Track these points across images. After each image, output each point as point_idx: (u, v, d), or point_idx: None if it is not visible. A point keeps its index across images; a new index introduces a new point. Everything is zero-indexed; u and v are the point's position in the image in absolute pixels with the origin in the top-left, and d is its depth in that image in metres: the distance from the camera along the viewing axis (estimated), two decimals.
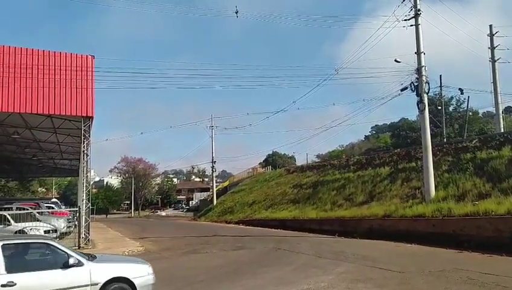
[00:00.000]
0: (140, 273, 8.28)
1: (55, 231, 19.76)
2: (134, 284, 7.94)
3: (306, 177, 41.85)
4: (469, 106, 45.18)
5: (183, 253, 17.45)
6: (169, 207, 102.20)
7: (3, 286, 6.74)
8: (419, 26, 21.72)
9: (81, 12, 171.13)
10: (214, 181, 63.90)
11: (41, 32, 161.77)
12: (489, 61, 33.06)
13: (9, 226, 18.22)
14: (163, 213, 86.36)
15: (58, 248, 7.75)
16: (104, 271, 7.83)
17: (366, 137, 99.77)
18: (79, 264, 7.57)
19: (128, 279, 7.93)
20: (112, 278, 7.75)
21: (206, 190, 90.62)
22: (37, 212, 21.73)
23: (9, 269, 6.99)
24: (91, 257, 8.17)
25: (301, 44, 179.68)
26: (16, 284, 6.87)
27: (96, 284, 7.57)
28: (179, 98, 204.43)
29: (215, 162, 58.85)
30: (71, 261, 7.46)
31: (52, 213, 25.78)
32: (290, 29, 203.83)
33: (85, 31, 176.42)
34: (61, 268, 7.41)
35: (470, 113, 47.63)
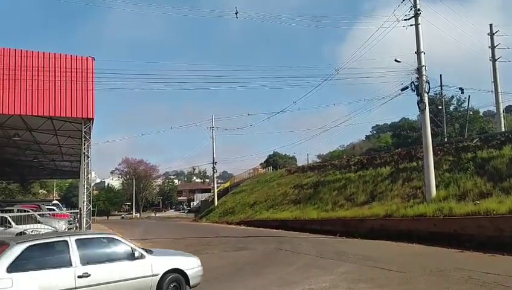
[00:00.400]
0: (192, 265, 9.22)
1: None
2: (187, 275, 8.86)
3: (307, 178, 41.83)
4: (470, 105, 45.16)
5: None
6: (171, 208, 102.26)
7: (79, 277, 7.49)
8: (419, 25, 21.72)
9: (81, 14, 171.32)
10: (215, 182, 63.89)
11: (41, 35, 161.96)
12: (490, 60, 33.03)
13: (10, 229, 18.22)
14: (165, 214, 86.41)
15: (123, 243, 8.63)
16: (162, 264, 8.68)
17: (367, 137, 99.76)
18: (142, 257, 8.43)
19: (182, 270, 8.86)
20: (168, 270, 8.64)
21: (207, 190, 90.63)
22: (38, 215, 21.73)
23: (83, 261, 7.72)
24: (149, 251, 8.92)
25: (301, 45, 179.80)
26: (90, 275, 7.61)
27: (157, 275, 8.43)
28: (178, 99, 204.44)
29: (216, 163, 58.84)
30: (136, 254, 8.39)
31: (53, 215, 25.78)
32: (290, 30, 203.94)
33: (85, 33, 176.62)
34: (127, 260, 8.28)
35: (471, 113, 47.56)
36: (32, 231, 18.23)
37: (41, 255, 7.62)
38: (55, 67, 19.06)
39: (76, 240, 7.97)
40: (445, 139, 36.60)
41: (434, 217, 18.66)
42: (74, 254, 7.70)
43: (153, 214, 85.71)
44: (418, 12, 21.67)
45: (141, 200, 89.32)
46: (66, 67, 19.24)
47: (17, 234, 17.91)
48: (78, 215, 19.90)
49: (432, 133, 22.80)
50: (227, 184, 77.93)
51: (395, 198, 24.27)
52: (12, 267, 7.09)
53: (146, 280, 8.30)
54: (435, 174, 21.61)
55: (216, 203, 58.04)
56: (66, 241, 7.89)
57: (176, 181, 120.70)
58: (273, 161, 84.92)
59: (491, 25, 33.57)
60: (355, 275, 10.71)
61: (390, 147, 57.88)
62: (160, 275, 8.47)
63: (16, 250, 7.36)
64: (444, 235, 17.13)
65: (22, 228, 18.32)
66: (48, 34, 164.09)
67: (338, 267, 12.20)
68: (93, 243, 8.52)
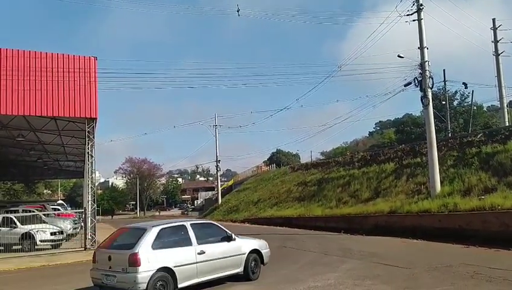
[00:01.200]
0: (265, 247, 11.38)
1: (62, 232, 19.82)
2: (262, 255, 11.09)
3: (311, 175, 41.79)
4: (473, 100, 44.96)
5: None
6: (175, 207, 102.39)
7: (199, 253, 9.46)
8: (422, 20, 21.63)
9: (83, 14, 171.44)
10: (219, 180, 63.91)
11: (43, 35, 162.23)
12: (493, 54, 32.88)
13: (15, 229, 18.30)
14: (169, 213, 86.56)
15: (220, 227, 10.83)
16: (246, 245, 10.83)
17: (370, 133, 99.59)
18: (234, 239, 10.49)
19: (259, 251, 11.07)
20: (251, 250, 10.81)
21: (211, 189, 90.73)
22: (43, 215, 21.81)
23: (199, 241, 9.64)
24: (235, 235, 10.76)
25: (302, 43, 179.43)
26: (205, 252, 9.57)
27: (244, 253, 10.57)
28: (181, 98, 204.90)
29: (219, 161, 58.85)
30: (232, 237, 10.44)
31: (58, 215, 25.85)
32: (291, 28, 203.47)
33: (86, 33, 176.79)
34: (226, 241, 10.31)
35: (475, 108, 47.35)
36: (37, 231, 18.33)
37: (170, 236, 9.53)
38: (58, 68, 19.07)
39: (191, 224, 10.01)
40: (449, 135, 36.48)
41: (439, 212, 18.61)
42: (192, 235, 9.64)
43: (157, 213, 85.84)
44: (421, 7, 21.58)
45: (145, 199, 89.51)
46: (68, 68, 19.24)
47: (22, 235, 18.04)
48: (83, 215, 19.93)
49: (435, 129, 22.72)
50: (230, 182, 77.95)
51: (400, 194, 24.21)
52: (153, 246, 8.91)
53: (238, 257, 10.40)
54: (439, 169, 21.54)
55: (220, 201, 58.10)
56: (185, 226, 9.90)
57: (180, 180, 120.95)
58: (277, 159, 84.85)
59: (493, 19, 33.42)
60: (361, 272, 10.70)
61: (393, 143, 57.67)
62: (246, 254, 10.59)
63: (154, 231, 9.17)
64: (449, 230, 17.08)
65: (27, 228, 18.40)
66: (48, 34, 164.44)
67: (343, 264, 12.20)
68: (202, 227, 10.68)
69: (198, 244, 9.56)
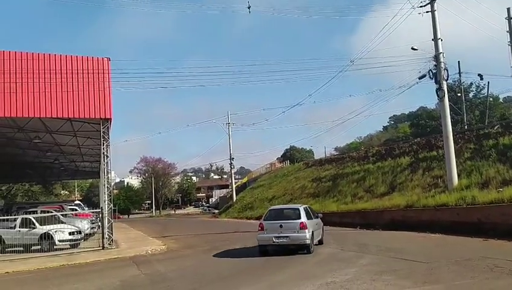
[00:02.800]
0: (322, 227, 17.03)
1: (80, 232, 20.05)
2: (323, 231, 17.00)
3: (325, 171, 41.65)
4: (489, 91, 44.33)
5: (205, 250, 17.54)
6: (190, 205, 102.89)
7: (316, 224, 15.83)
8: (436, 12, 21.34)
9: (92, 14, 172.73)
10: (233, 178, 64.04)
11: (52, 36, 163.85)
12: (508, 44, 32.31)
13: (34, 229, 18.57)
14: (184, 211, 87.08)
15: (313, 209, 17.60)
16: (320, 222, 16.60)
17: (385, 128, 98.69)
18: (319, 216, 16.76)
19: (323, 228, 17.04)
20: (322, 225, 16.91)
21: (225, 187, 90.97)
22: (61, 215, 22.09)
23: (314, 216, 16.00)
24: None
25: (312, 37, 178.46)
26: (317, 223, 16.03)
27: (320, 228, 16.36)
28: (192, 97, 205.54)
29: (233, 159, 58.97)
30: (320, 215, 17.07)
31: (76, 215, 26.17)
32: (301, 22, 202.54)
33: (97, 33, 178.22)
34: (316, 218, 16.11)
35: (491, 99, 46.67)
36: (56, 231, 18.57)
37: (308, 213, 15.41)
38: (72, 69, 19.28)
39: (304, 208, 15.32)
40: (466, 127, 36.01)
41: (456, 206, 18.38)
42: (311, 213, 16.01)
43: (172, 211, 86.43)
44: None
45: (160, 198, 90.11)
46: (82, 69, 19.43)
47: (41, 235, 18.30)
48: (100, 215, 20.14)
49: (451, 121, 22.43)
50: (244, 180, 78.08)
51: (416, 188, 23.99)
52: (306, 217, 14.74)
53: (320, 231, 16.12)
54: (456, 162, 21.28)
55: (234, 199, 58.20)
56: (307, 207, 16.29)
57: (194, 178, 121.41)
58: (290, 155, 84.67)
59: (508, 9, 32.79)
60: (378, 267, 10.61)
61: (408, 137, 57.15)
62: (321, 228, 16.52)
63: (303, 209, 15.16)
64: (467, 224, 16.85)
65: (46, 228, 18.65)
66: (57, 34, 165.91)
67: (360, 259, 12.12)
68: (310, 209, 16.62)
69: (315, 218, 15.91)
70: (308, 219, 14.55)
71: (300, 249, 14.18)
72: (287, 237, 14.00)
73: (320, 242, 15.94)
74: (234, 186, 62.26)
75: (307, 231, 13.96)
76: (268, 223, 14.67)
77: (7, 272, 13.84)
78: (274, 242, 14.15)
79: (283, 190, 46.41)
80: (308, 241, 13.93)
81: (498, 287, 7.95)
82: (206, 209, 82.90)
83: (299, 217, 14.36)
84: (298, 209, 15.08)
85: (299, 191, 41.68)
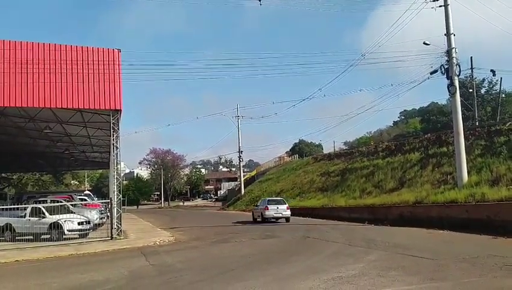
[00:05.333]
0: None
1: (89, 222, 20.23)
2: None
3: (334, 165, 41.54)
4: (502, 87, 43.75)
5: (213, 242, 17.62)
6: (198, 197, 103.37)
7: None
8: (449, 6, 21.06)
9: (103, 6, 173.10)
10: (241, 171, 64.14)
11: (64, 28, 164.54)
12: None
13: (44, 219, 18.77)
14: (193, 203, 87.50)
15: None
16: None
17: (395, 123, 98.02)
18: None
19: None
20: None
21: (234, 179, 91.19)
22: (71, 205, 22.28)
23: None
24: None
25: (322, 31, 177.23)
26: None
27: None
28: (202, 89, 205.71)
29: (242, 151, 59.04)
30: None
31: (85, 205, 26.41)
32: (310, 16, 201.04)
33: (107, 25, 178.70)
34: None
35: (503, 95, 46.09)
36: (65, 221, 18.76)
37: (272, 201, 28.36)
38: (82, 60, 19.36)
39: (284, 199, 29.20)
40: (477, 123, 35.64)
41: (466, 203, 18.25)
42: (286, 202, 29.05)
43: (181, 203, 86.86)
44: None
45: (169, 189, 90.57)
46: (93, 60, 19.52)
47: (50, 225, 18.50)
48: (109, 205, 20.29)
49: (462, 117, 22.20)
50: (253, 173, 78.17)
51: (425, 184, 23.84)
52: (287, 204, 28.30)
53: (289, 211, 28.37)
54: (467, 159, 21.09)
55: (243, 191, 58.32)
56: (283, 199, 30.18)
57: (203, 170, 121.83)
58: (299, 149, 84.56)
59: None
60: (386, 263, 10.56)
61: (419, 132, 56.76)
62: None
63: (282, 199, 30.21)
64: (477, 221, 16.74)
65: (55, 218, 18.84)
66: (68, 26, 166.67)
67: (367, 255, 12.07)
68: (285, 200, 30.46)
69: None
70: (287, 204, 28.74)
71: (286, 220, 27.05)
72: (280, 213, 27.16)
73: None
74: (243, 179, 62.37)
75: (289, 210, 27.51)
76: (270, 206, 27.47)
77: (17, 260, 14.03)
78: (273, 215, 27.14)
79: (291, 183, 46.39)
80: (290, 216, 27.30)
81: (506, 285, 7.87)
82: (213, 200, 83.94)
83: (285, 203, 28.38)
84: (283, 199, 30.38)
85: (307, 185, 41.65)
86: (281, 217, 27.01)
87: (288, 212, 27.02)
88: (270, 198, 31.39)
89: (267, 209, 26.98)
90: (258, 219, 28.48)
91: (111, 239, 18.85)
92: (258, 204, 30.94)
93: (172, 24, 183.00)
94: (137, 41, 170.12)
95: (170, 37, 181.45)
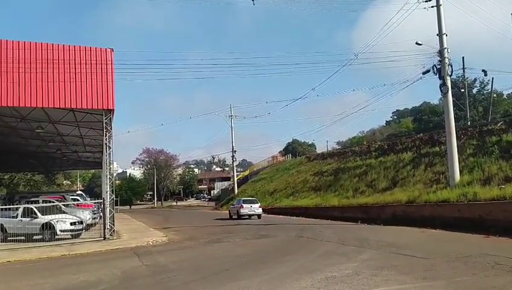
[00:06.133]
0: None
1: (81, 222, 20.13)
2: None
3: (327, 165, 41.65)
4: (493, 87, 44.08)
5: (207, 242, 17.59)
6: (192, 197, 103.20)
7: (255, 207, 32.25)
8: (441, 6, 21.19)
9: (90, 4, 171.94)
10: (235, 170, 64.11)
11: (50, 26, 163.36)
12: None
13: (36, 219, 18.64)
14: (186, 203, 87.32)
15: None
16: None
17: (387, 122, 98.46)
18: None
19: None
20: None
21: (227, 179, 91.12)
22: (63, 205, 22.14)
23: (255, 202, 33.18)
24: None
25: (314, 31, 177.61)
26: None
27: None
28: (195, 89, 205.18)
29: (235, 151, 59.03)
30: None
31: (78, 205, 26.27)
32: (303, 15, 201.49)
33: (97, 23, 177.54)
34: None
35: (495, 95, 46.43)
36: (57, 221, 18.64)
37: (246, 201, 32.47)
38: (75, 60, 19.25)
39: (256, 199, 33.62)
40: (469, 123, 35.91)
41: (458, 202, 18.37)
42: (258, 201, 33.37)
43: (174, 203, 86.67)
44: None
45: (162, 189, 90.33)
46: (85, 59, 19.42)
47: (43, 225, 18.38)
48: (102, 205, 20.19)
49: (454, 117, 22.33)
50: (246, 172, 78.16)
51: (418, 184, 23.98)
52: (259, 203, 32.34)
53: (261, 209, 33.17)
54: (459, 158, 21.24)
55: (236, 191, 58.32)
56: (256, 199, 34.68)
57: (196, 170, 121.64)
58: (292, 149, 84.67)
59: None
60: (379, 262, 10.61)
61: (411, 132, 57.02)
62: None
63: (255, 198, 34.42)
64: (469, 220, 16.86)
65: (47, 218, 18.72)
66: (54, 24, 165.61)
67: (360, 254, 12.11)
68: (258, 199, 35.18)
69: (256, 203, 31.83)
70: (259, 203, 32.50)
71: (258, 216, 30.30)
72: (253, 210, 30.65)
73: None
74: (236, 179, 62.33)
75: (261, 208, 31.39)
76: (245, 205, 31.27)
77: (9, 261, 13.93)
78: (247, 213, 30.47)
79: (285, 183, 46.45)
80: (261, 213, 30.95)
81: (498, 284, 7.93)
82: (206, 200, 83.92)
83: (258, 203, 32.36)
84: (256, 199, 34.18)
85: (300, 184, 41.71)
86: (254, 214, 30.32)
87: (260, 210, 30.83)
88: (244, 198, 35.77)
89: (242, 207, 30.81)
90: (234, 217, 31.75)
91: (104, 239, 18.77)
92: (234, 203, 35.69)
93: (160, 23, 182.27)
94: (126, 40, 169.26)
95: (158, 35, 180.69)
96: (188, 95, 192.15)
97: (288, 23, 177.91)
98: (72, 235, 19.25)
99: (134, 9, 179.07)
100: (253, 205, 30.87)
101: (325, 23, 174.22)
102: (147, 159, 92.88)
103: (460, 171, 20.94)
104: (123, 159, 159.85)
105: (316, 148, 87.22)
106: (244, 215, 30.27)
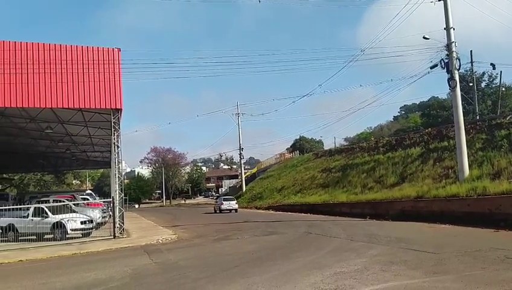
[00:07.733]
0: None
1: (91, 221, 20.29)
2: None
3: (334, 161, 41.57)
4: (502, 81, 43.70)
5: (216, 239, 17.66)
6: (200, 195, 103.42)
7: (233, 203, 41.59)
8: (448, 0, 21.02)
9: (97, 4, 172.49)
10: (242, 168, 64.21)
11: (54, 26, 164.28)
12: None
13: (47, 218, 18.83)
14: (194, 201, 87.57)
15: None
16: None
17: (395, 118, 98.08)
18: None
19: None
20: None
21: (235, 177, 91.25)
22: (73, 204, 22.33)
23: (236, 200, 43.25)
24: None
25: (319, 27, 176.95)
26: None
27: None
28: (201, 88, 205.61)
29: (242, 149, 59.12)
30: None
31: (88, 204, 26.45)
32: (307, 13, 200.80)
33: (102, 23, 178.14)
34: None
35: (503, 89, 46.02)
36: (68, 220, 18.81)
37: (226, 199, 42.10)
38: (83, 60, 19.39)
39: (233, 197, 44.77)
40: (477, 117, 35.62)
41: (467, 197, 18.27)
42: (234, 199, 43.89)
43: (182, 201, 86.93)
44: None
45: (171, 187, 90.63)
46: (93, 60, 19.55)
47: (53, 224, 18.56)
48: (111, 204, 20.35)
49: (463, 111, 22.19)
50: (254, 170, 78.23)
51: (426, 179, 23.86)
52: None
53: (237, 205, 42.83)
54: (468, 153, 21.10)
55: (244, 189, 58.43)
56: (233, 197, 45.31)
57: (204, 168, 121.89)
58: (300, 146, 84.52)
59: None
60: (388, 258, 10.60)
61: (419, 127, 56.71)
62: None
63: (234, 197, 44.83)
64: (478, 215, 16.78)
65: (58, 217, 18.90)
66: (59, 25, 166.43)
67: (369, 249, 12.11)
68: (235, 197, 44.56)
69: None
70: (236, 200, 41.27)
71: (235, 211, 38.09)
72: (231, 206, 38.99)
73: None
74: (244, 176, 62.44)
75: (237, 205, 39.68)
76: (225, 202, 39.74)
77: (20, 260, 14.09)
78: (226, 208, 38.44)
79: (292, 180, 46.44)
80: (237, 208, 39.29)
81: (508, 278, 7.90)
82: (214, 198, 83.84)
83: (234, 200, 41.97)
84: (233, 197, 44.75)
85: (308, 181, 41.68)
86: (231, 209, 38.87)
87: (236, 206, 39.82)
88: (224, 197, 46.81)
89: (222, 204, 39.86)
90: (217, 211, 40.18)
91: (114, 238, 18.91)
92: (217, 201, 45.92)
93: (164, 22, 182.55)
94: (131, 40, 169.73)
95: (162, 35, 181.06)
96: (196, 94, 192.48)
97: (293, 20, 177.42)
98: (82, 234, 19.42)
99: (136, 10, 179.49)
100: (231, 202, 40.11)
101: (330, 20, 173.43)
102: (154, 158, 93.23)
103: (470, 166, 20.82)
104: (131, 158, 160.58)
105: (323, 145, 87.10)
106: (224, 209, 38.72)
